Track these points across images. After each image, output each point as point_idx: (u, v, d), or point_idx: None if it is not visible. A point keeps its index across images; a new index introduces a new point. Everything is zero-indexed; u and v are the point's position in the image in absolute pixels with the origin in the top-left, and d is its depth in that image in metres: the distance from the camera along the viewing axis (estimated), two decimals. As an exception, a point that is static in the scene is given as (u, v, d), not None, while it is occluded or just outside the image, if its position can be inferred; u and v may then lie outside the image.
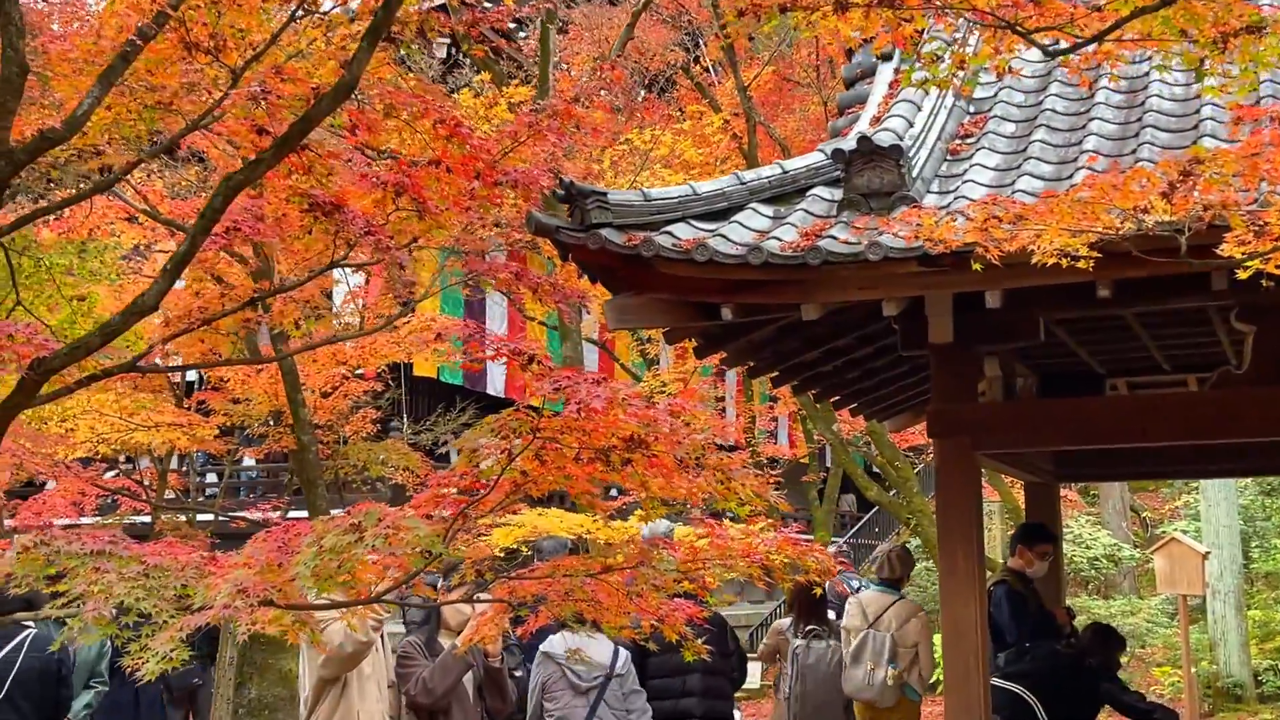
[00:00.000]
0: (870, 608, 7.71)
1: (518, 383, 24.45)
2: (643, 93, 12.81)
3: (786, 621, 7.82)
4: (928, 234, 4.96)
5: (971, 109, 6.84)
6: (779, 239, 5.68)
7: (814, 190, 6.14)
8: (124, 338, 5.32)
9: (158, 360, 6.41)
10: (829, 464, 15.94)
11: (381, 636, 5.56)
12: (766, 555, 4.08)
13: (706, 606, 4.75)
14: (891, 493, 13.31)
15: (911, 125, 6.31)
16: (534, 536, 9.15)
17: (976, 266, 4.92)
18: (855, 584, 8.90)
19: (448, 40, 16.29)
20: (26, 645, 5.95)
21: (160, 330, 5.21)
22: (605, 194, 5.87)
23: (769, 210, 6.08)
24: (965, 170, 6.13)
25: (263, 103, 4.31)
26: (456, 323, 15.02)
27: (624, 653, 6.53)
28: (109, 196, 10.88)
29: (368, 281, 13.68)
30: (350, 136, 4.66)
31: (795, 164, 6.34)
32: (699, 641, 4.25)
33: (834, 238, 5.60)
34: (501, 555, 9.77)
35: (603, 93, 12.44)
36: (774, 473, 17.81)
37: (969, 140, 6.48)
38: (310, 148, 4.58)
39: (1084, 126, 6.38)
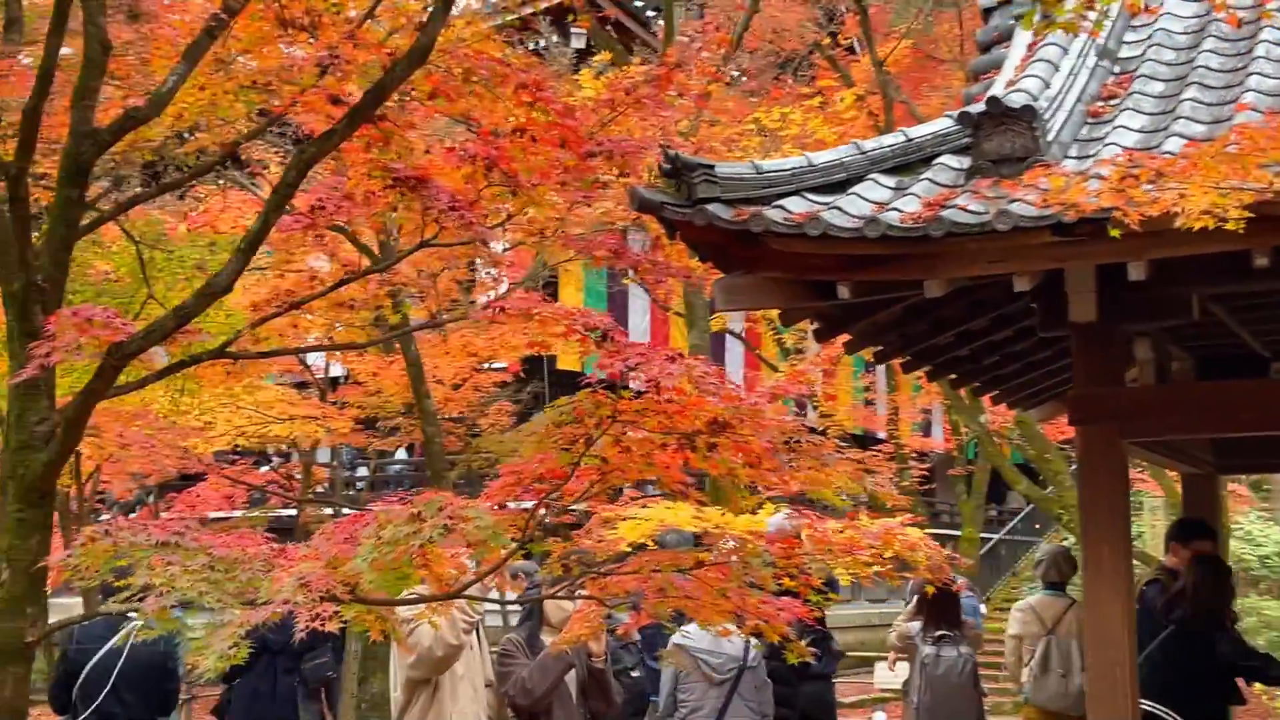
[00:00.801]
0: (1045, 614, 7.31)
1: (662, 376, 24.27)
2: (776, 74, 12.39)
3: (915, 625, 7.36)
4: (1059, 198, 4.50)
5: (1116, 69, 6.31)
6: (899, 210, 5.27)
7: (941, 159, 5.69)
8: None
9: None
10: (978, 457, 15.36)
11: (478, 633, 5.32)
12: (871, 550, 3.70)
13: (818, 605, 4.38)
14: (1049, 490, 12.69)
15: (1048, 86, 5.82)
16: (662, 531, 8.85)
17: (1114, 233, 4.46)
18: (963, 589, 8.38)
19: (584, 32, 16.10)
20: (133, 636, 5.86)
21: (249, 314, 5.05)
22: (713, 167, 5.53)
23: (891, 181, 5.66)
24: (1107, 133, 5.62)
25: (335, 70, 4.08)
26: (604, 317, 14.86)
27: (753, 645, 6.32)
28: (240, 189, 10.91)
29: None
30: (430, 105, 4.42)
31: (920, 131, 5.91)
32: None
33: (960, 207, 5.17)
34: (629, 550, 9.48)
35: (734, 73, 12.07)
36: (922, 466, 17.24)
37: (1112, 102, 5.96)
38: (389, 119, 4.34)
39: (1241, 84, 5.81)
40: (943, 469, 18.97)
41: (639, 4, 15.91)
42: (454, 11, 4.31)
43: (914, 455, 17.74)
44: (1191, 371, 7.55)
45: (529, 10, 15.18)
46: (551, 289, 20.85)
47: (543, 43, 16.35)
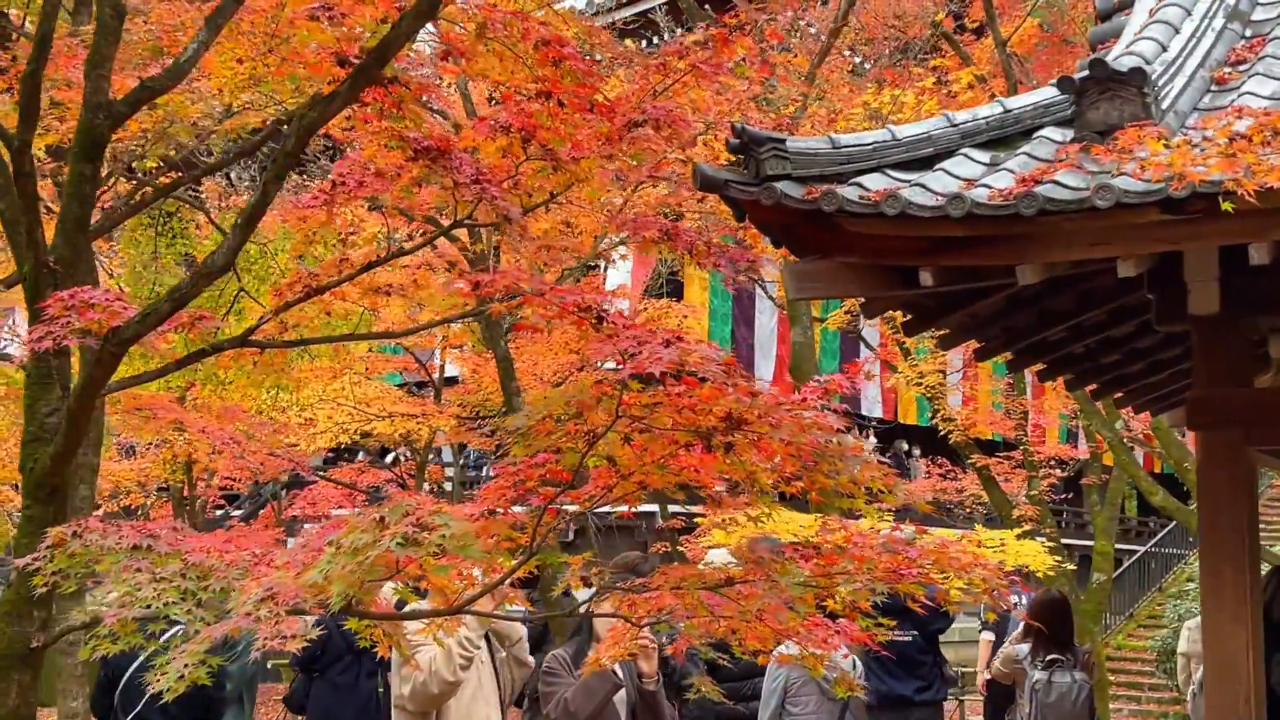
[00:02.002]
0: None
1: (787, 378, 23.69)
2: (898, 59, 11.79)
3: (1024, 649, 6.73)
4: (1165, 169, 3.91)
5: (1248, 32, 5.63)
6: (989, 186, 4.72)
7: (1042, 131, 5.10)
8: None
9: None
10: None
11: (489, 643, 4.92)
12: (918, 567, 3.18)
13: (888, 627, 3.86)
14: (1192, 505, 11.81)
15: (1165, 49, 5.19)
16: (752, 539, 8.34)
17: (1227, 207, 3.86)
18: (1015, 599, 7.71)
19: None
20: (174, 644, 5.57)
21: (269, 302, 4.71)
22: (783, 140, 5.03)
23: (984, 156, 5.10)
24: (1232, 101, 4.97)
25: (335, 24, 3.71)
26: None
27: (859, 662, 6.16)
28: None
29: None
30: (444, 66, 4.02)
31: (1020, 101, 5.33)
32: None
33: (1057, 183, 4.59)
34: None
35: (847, 52, 11.52)
36: (1058, 474, 16.36)
37: (1241, 67, 5.30)
38: (400, 82, 3.96)
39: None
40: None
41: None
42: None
43: (1052, 463, 16.89)
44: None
45: (644, 5, 14.82)
46: (676, 288, 20.47)
47: (665, 36, 15.95)
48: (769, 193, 4.92)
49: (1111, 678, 16.88)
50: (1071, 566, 10.48)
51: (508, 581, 3.41)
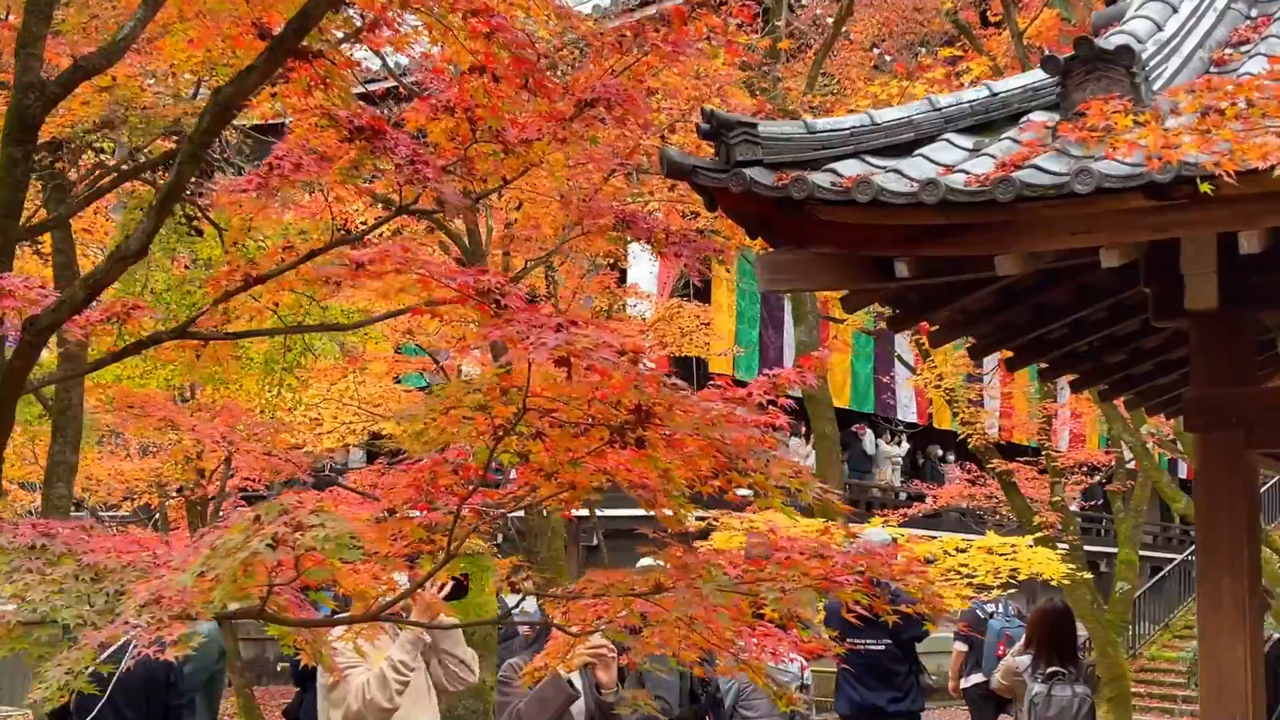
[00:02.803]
0: None
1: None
2: (916, 53, 11.52)
3: (1025, 660, 6.44)
4: (1145, 150, 3.64)
5: (1253, 12, 5.34)
6: (967, 172, 4.46)
7: (1030, 115, 4.84)
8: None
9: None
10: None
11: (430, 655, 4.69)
12: (853, 574, 2.92)
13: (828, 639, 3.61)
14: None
15: (1160, 29, 4.91)
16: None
17: (1206, 189, 3.58)
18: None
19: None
20: (131, 648, 5.38)
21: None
22: (754, 125, 4.80)
23: (968, 142, 4.84)
24: (1230, 82, 4.69)
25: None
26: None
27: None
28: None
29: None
30: (369, 37, 3.81)
31: (1007, 84, 5.06)
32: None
33: (1037, 167, 4.33)
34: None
35: (875, 50, 11.25)
36: (1089, 480, 15.98)
37: (1243, 48, 5.01)
38: (327, 56, 3.75)
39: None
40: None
41: None
42: None
43: (1083, 469, 16.52)
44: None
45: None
46: (705, 293, 20.17)
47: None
48: (738, 179, 4.69)
49: (1144, 689, 16.46)
50: (1088, 575, 10.17)
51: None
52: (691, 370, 19.57)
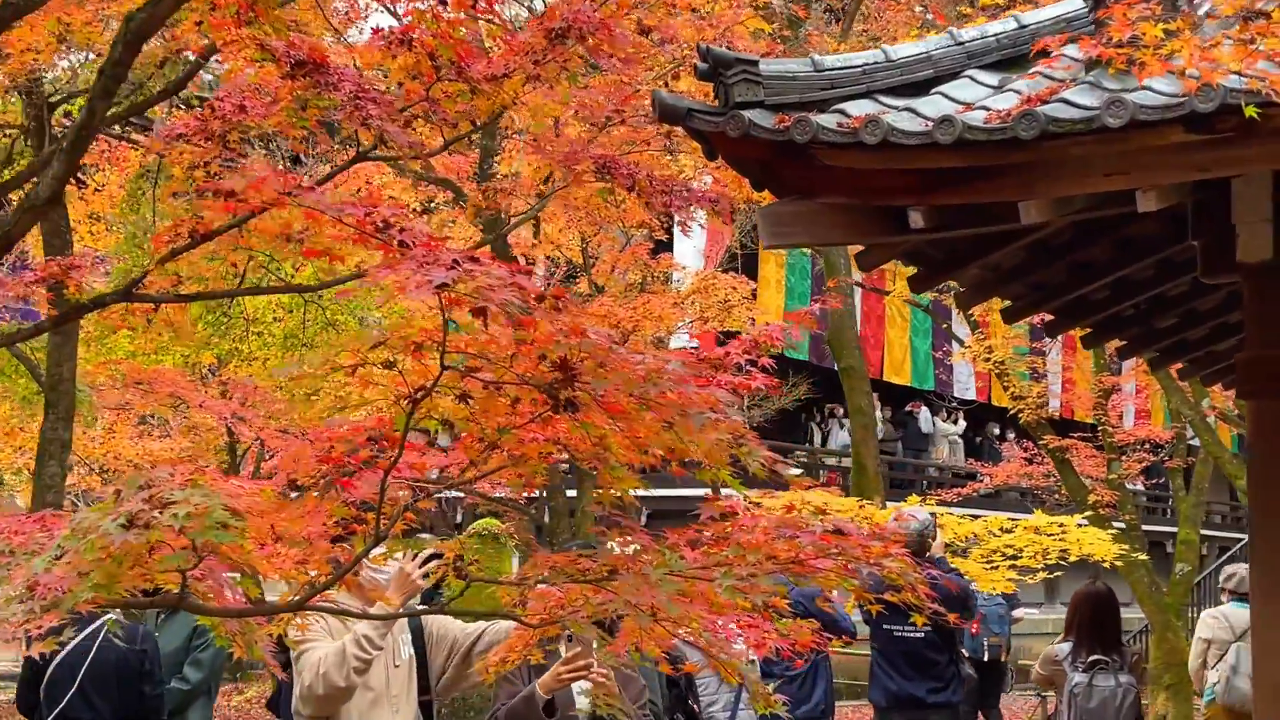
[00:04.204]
0: (1235, 621, 7.41)
1: (871, 359, 22.75)
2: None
3: (1065, 648, 5.96)
4: (1187, 64, 3.15)
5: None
6: (988, 109, 4.00)
7: (1064, 50, 4.35)
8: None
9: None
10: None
11: (422, 639, 4.32)
12: (829, 556, 2.49)
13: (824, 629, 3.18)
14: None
15: (1208, -51, 4.40)
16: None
17: (1251, 113, 3.10)
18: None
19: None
20: (102, 634, 5.11)
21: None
22: (755, 62, 4.36)
23: (993, 79, 4.37)
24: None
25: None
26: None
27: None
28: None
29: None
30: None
31: (1038, 15, 4.59)
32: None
33: (1066, 101, 3.86)
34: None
35: (919, 9, 10.72)
36: (1152, 458, 15.35)
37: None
38: (256, -20, 3.37)
39: None
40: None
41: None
42: None
43: (1146, 446, 15.89)
44: None
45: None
46: (752, 267, 19.68)
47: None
48: (736, 122, 4.25)
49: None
50: (1142, 556, 9.63)
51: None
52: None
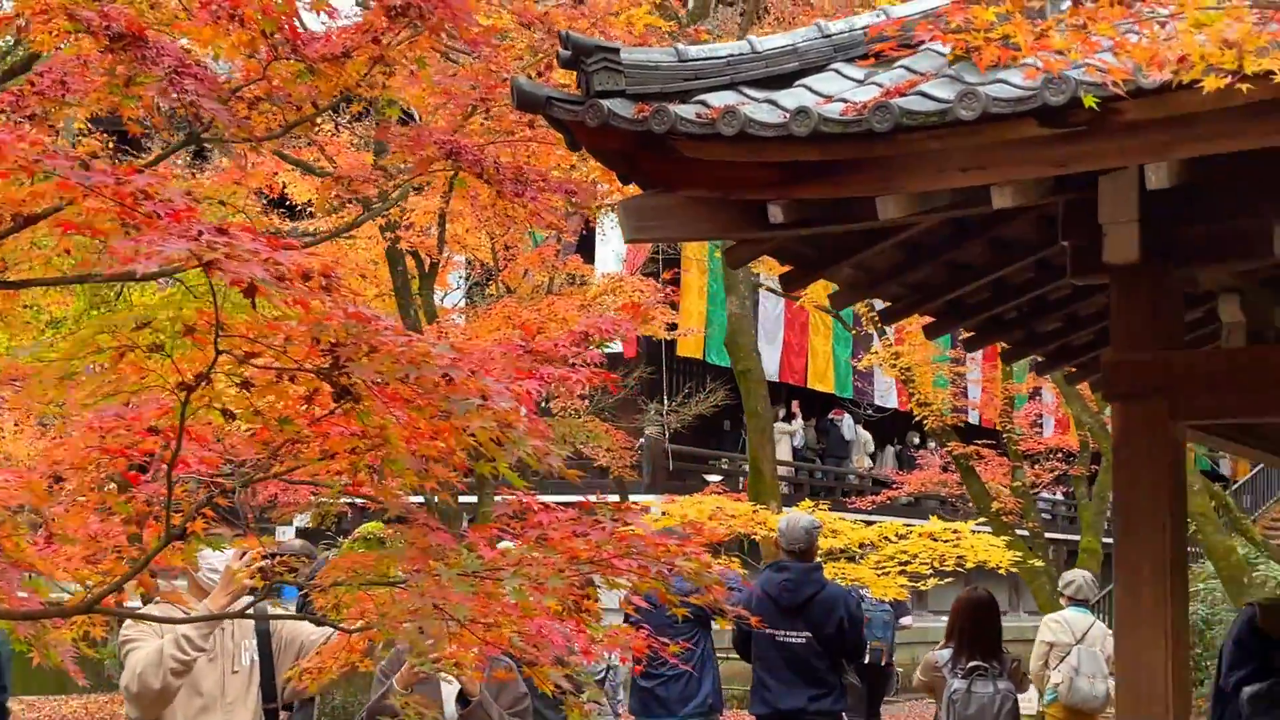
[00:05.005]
0: (1075, 625, 7.86)
1: (795, 366, 22.77)
2: None
3: (945, 654, 5.89)
4: (1025, 50, 3.05)
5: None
6: (846, 100, 3.90)
7: (931, 44, 4.27)
8: None
9: None
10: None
11: (267, 640, 4.15)
12: (615, 554, 2.36)
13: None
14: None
15: (1076, -56, 4.34)
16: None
17: (1090, 103, 3.03)
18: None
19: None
20: None
21: None
22: (616, 50, 4.24)
23: (858, 72, 4.28)
24: None
25: None
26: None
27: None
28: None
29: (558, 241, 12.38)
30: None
31: (907, 9, 4.50)
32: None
33: (923, 94, 3.78)
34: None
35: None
36: (1064, 466, 15.43)
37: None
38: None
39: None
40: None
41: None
42: None
43: (1055, 454, 15.99)
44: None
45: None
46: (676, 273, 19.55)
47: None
48: (595, 112, 4.12)
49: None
50: (1040, 563, 9.63)
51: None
52: (660, 354, 19.03)
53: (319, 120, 9.68)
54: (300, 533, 13.52)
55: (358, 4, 5.45)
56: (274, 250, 2.08)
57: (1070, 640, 7.77)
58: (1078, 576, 8.23)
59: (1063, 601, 8.19)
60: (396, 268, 8.37)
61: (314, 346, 2.26)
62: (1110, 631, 8.07)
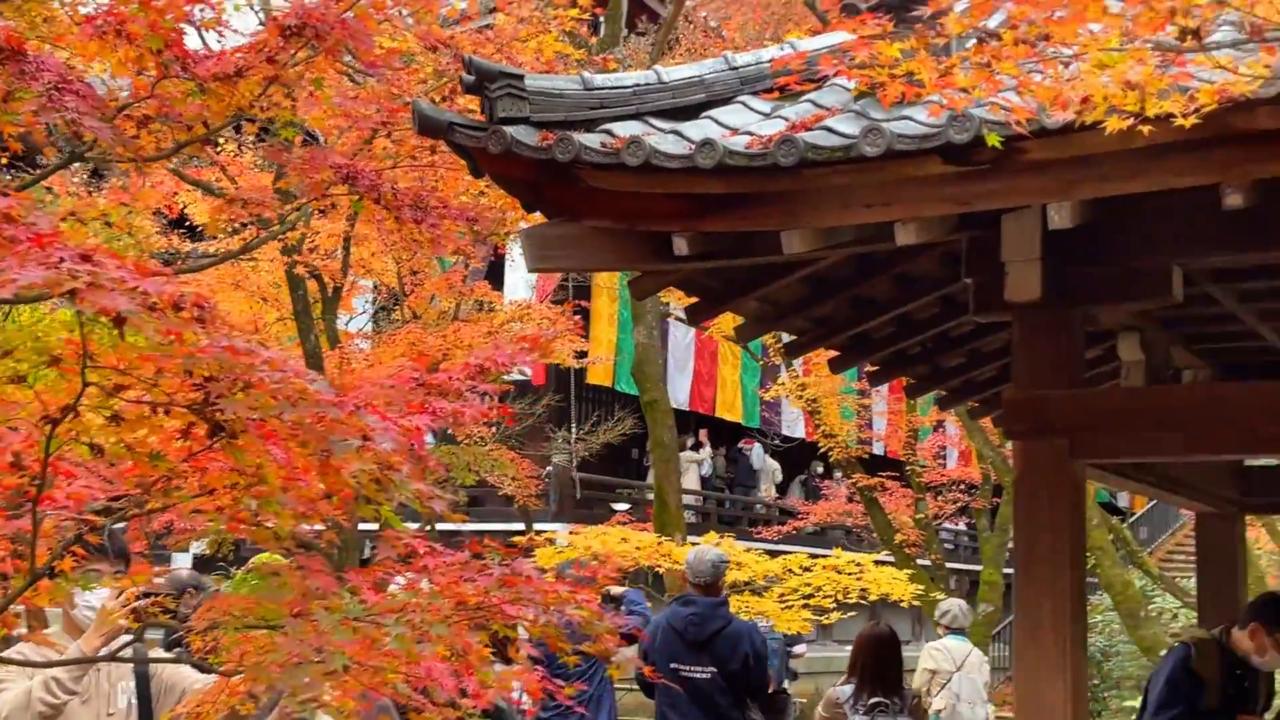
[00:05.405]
0: (955, 653, 8.12)
1: (705, 395, 22.78)
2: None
3: (846, 690, 5.86)
4: (929, 88, 3.03)
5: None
6: (753, 134, 3.87)
7: (837, 79, 4.25)
8: None
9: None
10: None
11: (146, 684, 3.97)
12: (495, 598, 2.27)
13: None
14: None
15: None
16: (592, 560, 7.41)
17: (994, 141, 3.01)
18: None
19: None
20: None
21: None
22: (520, 76, 4.17)
23: (765, 105, 4.25)
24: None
25: None
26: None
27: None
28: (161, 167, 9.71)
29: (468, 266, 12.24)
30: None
31: (814, 43, 4.49)
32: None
33: (827, 129, 3.75)
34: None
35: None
36: (967, 498, 15.56)
37: None
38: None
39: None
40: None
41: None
42: None
43: (957, 485, 16.12)
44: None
45: None
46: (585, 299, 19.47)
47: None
48: (498, 138, 4.04)
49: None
50: (942, 596, 9.66)
51: None
52: (570, 382, 18.92)
53: (222, 140, 9.51)
54: (196, 559, 13.20)
55: (261, 25, 5.30)
56: (142, 279, 1.97)
57: (951, 668, 8.04)
58: (952, 606, 8.45)
59: (940, 631, 8.37)
60: (297, 292, 8.20)
61: (186, 380, 2.16)
62: (986, 659, 8.80)
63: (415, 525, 11.25)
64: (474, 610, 2.34)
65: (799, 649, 9.58)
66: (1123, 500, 26.20)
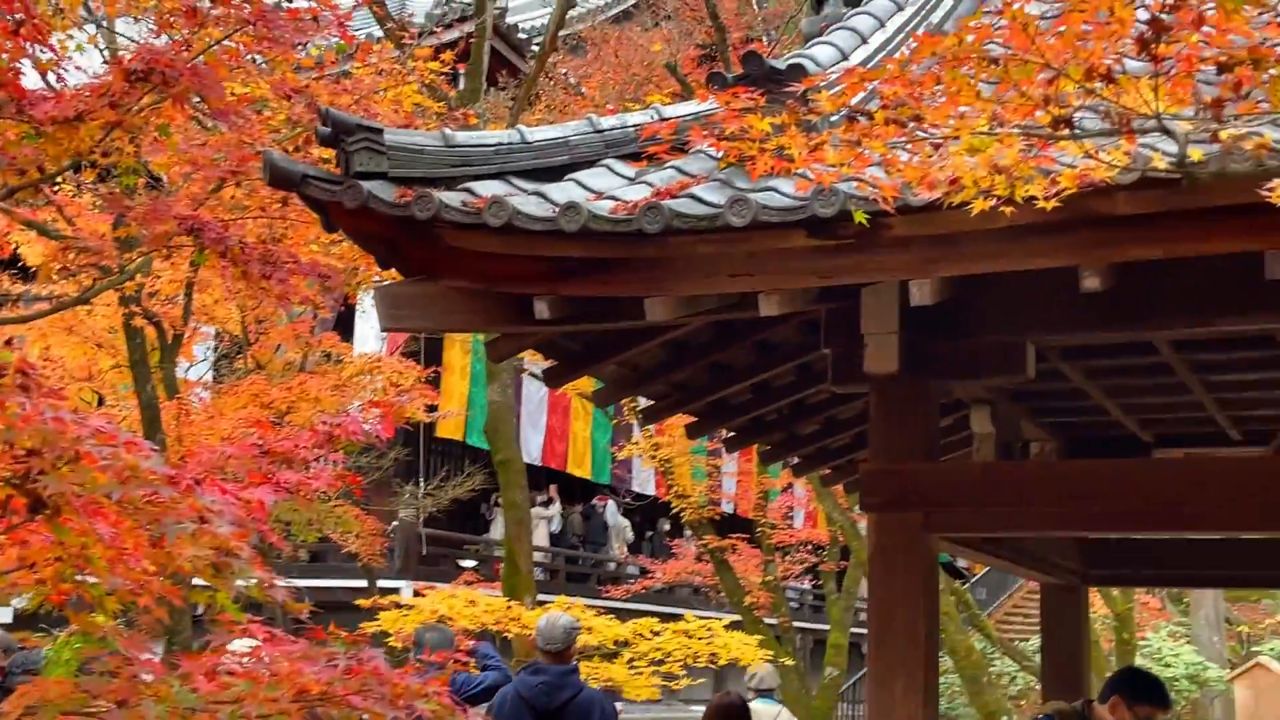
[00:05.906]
0: (763, 717, 7.80)
1: (557, 450, 22.63)
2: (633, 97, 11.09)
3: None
4: (799, 162, 3.00)
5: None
6: (617, 199, 3.81)
7: (701, 146, 4.22)
8: None
9: None
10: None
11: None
12: (340, 689, 2.13)
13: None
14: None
15: (846, 57, 4.40)
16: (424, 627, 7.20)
17: (860, 218, 3.00)
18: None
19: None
20: None
21: None
22: (379, 130, 4.05)
23: (630, 170, 4.20)
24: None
25: None
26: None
27: None
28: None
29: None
30: None
31: (678, 110, 4.46)
32: None
33: (694, 197, 3.71)
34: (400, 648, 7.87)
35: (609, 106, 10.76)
36: (811, 557, 15.67)
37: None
38: None
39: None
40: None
41: (522, 36, 14.52)
42: None
43: (805, 546, 16.22)
44: (1056, 456, 6.09)
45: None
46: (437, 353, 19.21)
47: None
48: (354, 193, 3.91)
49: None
50: (791, 661, 9.67)
51: None
52: (419, 435, 18.57)
53: (60, 180, 9.14)
54: (16, 616, 12.53)
55: (106, 63, 5.11)
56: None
57: None
58: (760, 669, 8.52)
59: (750, 695, 8.28)
60: (134, 341, 7.86)
61: (6, 451, 1.99)
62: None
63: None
64: (317, 700, 2.20)
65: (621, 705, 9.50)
66: (962, 562, 26.78)
